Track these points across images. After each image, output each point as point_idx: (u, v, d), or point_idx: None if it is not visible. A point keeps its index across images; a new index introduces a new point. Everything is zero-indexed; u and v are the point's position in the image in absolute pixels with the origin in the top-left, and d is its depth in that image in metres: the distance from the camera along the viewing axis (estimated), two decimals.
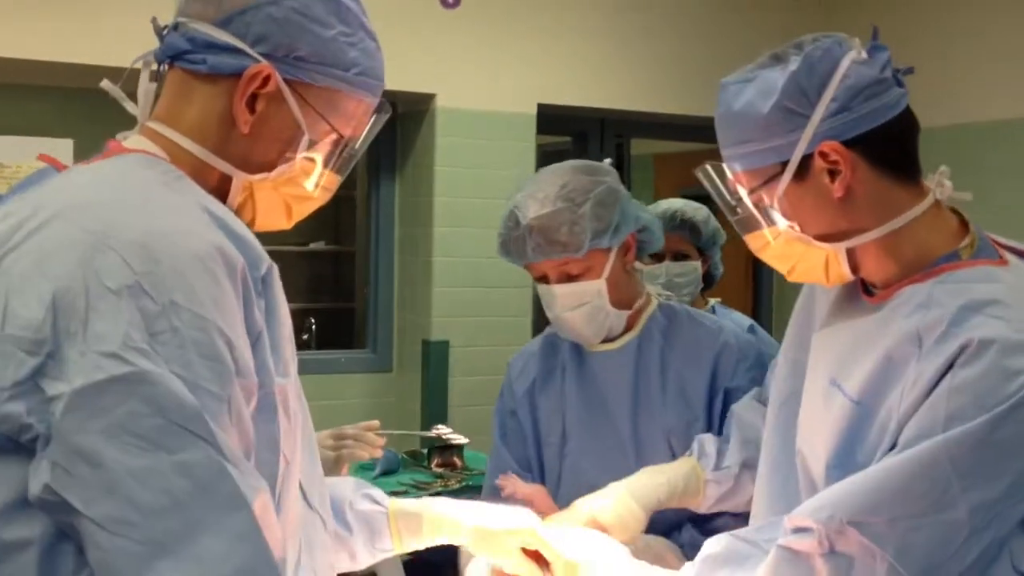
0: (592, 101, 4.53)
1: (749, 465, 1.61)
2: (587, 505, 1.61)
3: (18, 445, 0.86)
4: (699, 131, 5.09)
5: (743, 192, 1.26)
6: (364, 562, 1.49)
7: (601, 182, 1.79)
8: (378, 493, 1.51)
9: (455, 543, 1.53)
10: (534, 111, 4.37)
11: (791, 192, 1.21)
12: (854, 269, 1.25)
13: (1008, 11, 4.16)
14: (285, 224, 1.19)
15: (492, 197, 4.28)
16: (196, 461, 0.85)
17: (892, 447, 1.13)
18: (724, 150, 1.28)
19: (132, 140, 1.12)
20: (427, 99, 4.25)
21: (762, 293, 5.18)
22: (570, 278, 1.77)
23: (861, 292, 1.30)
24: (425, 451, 2.84)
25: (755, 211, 1.26)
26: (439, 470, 2.64)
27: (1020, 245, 1.25)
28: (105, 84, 1.17)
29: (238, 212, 1.12)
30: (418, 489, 2.42)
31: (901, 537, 1.08)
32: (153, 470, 0.83)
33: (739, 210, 1.30)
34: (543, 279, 1.80)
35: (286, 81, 1.10)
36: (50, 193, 0.99)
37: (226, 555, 0.84)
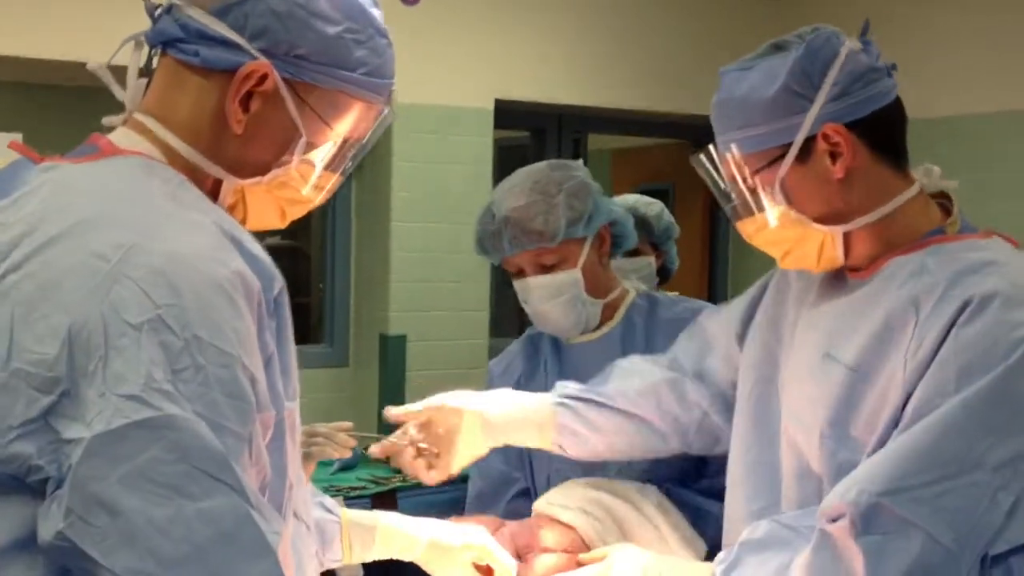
0: (550, 96, 4.54)
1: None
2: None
3: (22, 484, 0.82)
4: (656, 126, 5.13)
5: (741, 176, 1.28)
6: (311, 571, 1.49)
7: (573, 176, 1.83)
8: (331, 502, 1.50)
9: (405, 558, 1.52)
10: (492, 106, 4.37)
11: (792, 174, 1.25)
12: (845, 253, 1.28)
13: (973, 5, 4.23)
14: (279, 225, 1.13)
15: (450, 192, 4.28)
16: (220, 508, 0.81)
17: (901, 412, 1.14)
18: (723, 135, 1.30)
19: (123, 137, 1.03)
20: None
21: (717, 286, 5.22)
22: (546, 269, 1.79)
23: (845, 272, 1.32)
24: None
25: (752, 196, 1.28)
26: (397, 466, 2.63)
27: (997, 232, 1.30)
28: (92, 66, 1.09)
29: (230, 212, 1.06)
30: (377, 484, 2.42)
31: (933, 503, 1.08)
32: (175, 519, 0.79)
33: (733, 196, 1.32)
34: (520, 274, 1.82)
35: (284, 80, 1.02)
36: (48, 204, 0.91)
37: None
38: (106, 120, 1.07)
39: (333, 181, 1.12)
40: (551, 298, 1.79)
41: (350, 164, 1.13)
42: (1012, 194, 3.86)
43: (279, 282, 0.97)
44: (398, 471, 2.46)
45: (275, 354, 0.95)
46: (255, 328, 0.90)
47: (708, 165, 1.34)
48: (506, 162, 4.40)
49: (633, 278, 2.58)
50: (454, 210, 4.20)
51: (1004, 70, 4.11)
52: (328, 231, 4.54)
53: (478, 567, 1.49)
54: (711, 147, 1.33)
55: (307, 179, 1.09)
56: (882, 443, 1.17)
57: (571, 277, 1.79)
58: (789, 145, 1.24)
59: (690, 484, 1.75)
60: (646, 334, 1.86)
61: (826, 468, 1.24)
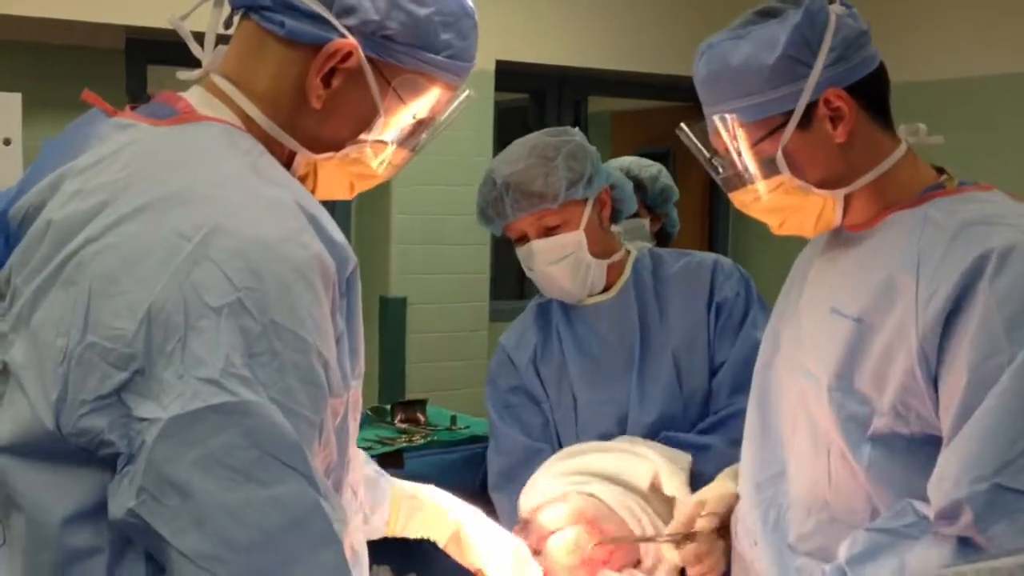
0: (551, 58, 4.51)
1: None
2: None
3: (93, 457, 0.83)
4: (658, 89, 5.11)
5: (743, 147, 1.27)
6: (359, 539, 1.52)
7: (570, 140, 1.85)
8: (380, 469, 1.52)
9: (435, 538, 1.54)
10: (492, 67, 4.35)
11: (794, 141, 1.24)
12: (844, 214, 1.29)
13: None
14: (347, 197, 1.12)
15: (450, 154, 4.26)
16: (291, 496, 0.81)
17: (925, 369, 1.14)
18: (716, 106, 1.28)
19: (201, 100, 1.01)
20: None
21: (717, 249, 5.22)
22: (549, 232, 1.81)
23: (844, 229, 1.33)
24: (388, 407, 2.85)
25: (751, 166, 1.27)
26: (403, 426, 2.66)
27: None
28: (172, 21, 1.05)
29: (300, 182, 1.04)
30: (383, 444, 2.44)
31: None
32: (246, 505, 0.79)
33: (723, 168, 1.31)
34: (522, 240, 1.83)
35: (368, 59, 1.00)
36: (131, 172, 0.90)
37: None
38: (182, 75, 1.06)
39: (405, 158, 1.11)
40: (555, 260, 1.81)
41: (423, 142, 1.12)
42: (997, 157, 3.85)
43: (352, 262, 0.96)
44: (403, 431, 2.48)
45: (344, 334, 0.95)
46: (330, 310, 0.89)
47: (697, 137, 1.34)
48: (506, 125, 4.39)
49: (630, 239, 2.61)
50: (455, 172, 4.19)
51: (989, 34, 4.09)
52: None
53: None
54: (711, 118, 1.30)
55: (379, 156, 1.08)
56: (904, 402, 1.16)
57: (574, 238, 1.80)
58: (790, 113, 1.23)
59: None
60: (655, 290, 1.89)
61: (834, 422, 1.24)
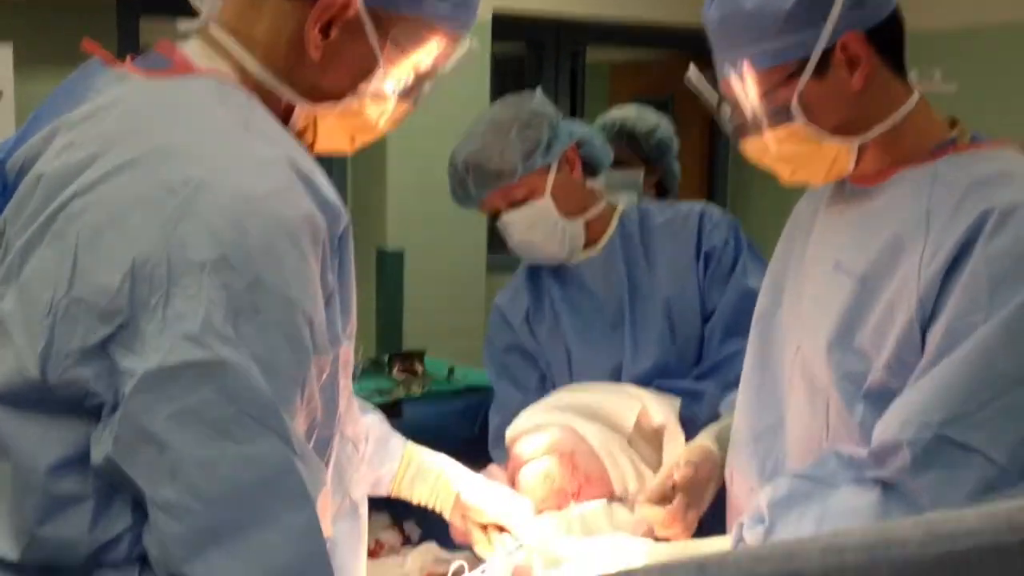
0: (548, 8, 4.47)
1: None
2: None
3: (79, 407, 0.84)
4: (657, 38, 5.06)
5: (756, 94, 1.23)
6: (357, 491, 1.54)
7: (524, 108, 1.84)
8: (396, 432, 1.55)
9: (439, 503, 1.56)
10: (489, 17, 4.30)
11: (809, 88, 1.21)
12: (855, 164, 1.26)
13: None
14: (347, 150, 1.12)
15: (447, 105, 4.22)
16: (264, 454, 0.82)
17: (917, 326, 1.13)
18: (729, 52, 1.25)
19: (198, 51, 1.00)
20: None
21: (716, 199, 5.21)
22: (518, 203, 1.82)
23: (850, 180, 1.31)
24: (386, 358, 2.86)
25: (763, 114, 1.24)
26: (400, 377, 2.67)
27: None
28: None
29: (299, 136, 1.04)
30: (380, 395, 2.45)
31: (988, 425, 1.07)
32: (219, 460, 0.80)
33: (733, 117, 1.28)
34: (496, 215, 1.86)
35: (367, 9, 0.99)
36: (121, 125, 0.90)
37: (280, 551, 0.81)
38: (182, 25, 1.04)
39: (405, 111, 1.11)
40: (528, 229, 1.83)
41: (422, 94, 1.11)
42: (1006, 108, 3.83)
43: (344, 220, 0.96)
44: (401, 381, 2.49)
45: (335, 292, 0.95)
46: (318, 269, 0.89)
47: (706, 83, 1.30)
48: (503, 76, 4.35)
49: (622, 191, 2.60)
50: (451, 124, 4.15)
51: None
52: None
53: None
54: (723, 64, 1.27)
55: (380, 108, 1.07)
56: (899, 358, 1.15)
57: (542, 203, 1.82)
58: (806, 59, 1.20)
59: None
60: (643, 241, 1.89)
61: (831, 380, 1.23)
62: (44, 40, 3.36)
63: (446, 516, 1.58)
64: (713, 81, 1.30)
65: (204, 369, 0.80)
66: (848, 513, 1.13)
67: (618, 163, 2.69)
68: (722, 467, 1.53)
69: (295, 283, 0.85)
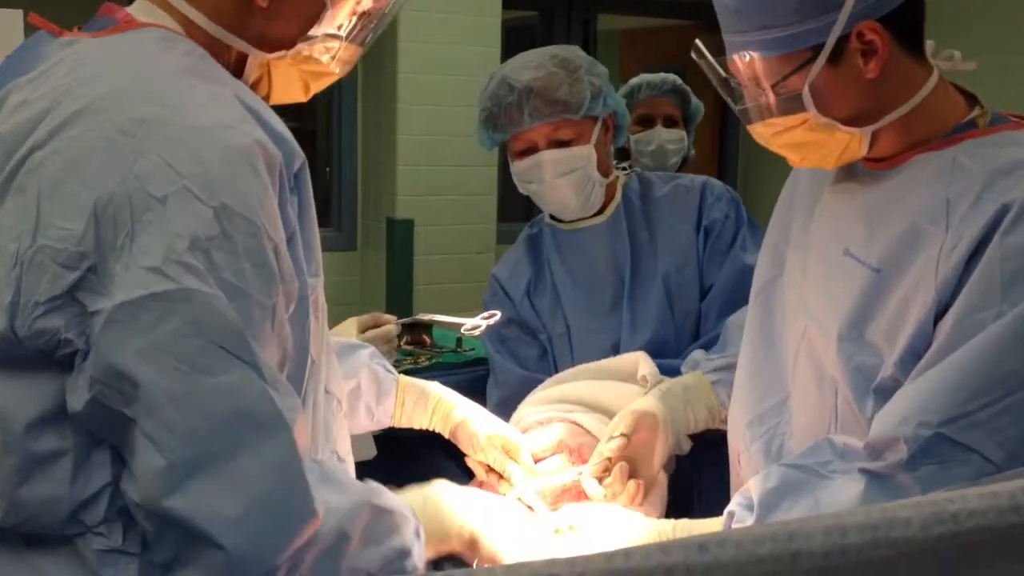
0: None
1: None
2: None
3: (51, 360, 0.83)
4: (669, 6, 5.02)
5: (766, 81, 1.20)
6: (361, 427, 1.53)
7: (586, 56, 1.82)
8: (388, 365, 1.56)
9: (439, 429, 1.56)
10: None
11: (822, 76, 1.17)
12: (868, 148, 1.23)
13: None
14: (302, 98, 1.13)
15: (457, 74, 4.21)
16: (236, 384, 0.81)
17: (932, 319, 1.10)
18: (740, 36, 1.21)
19: (141, 10, 1.02)
20: None
21: (727, 171, 5.19)
22: (560, 144, 1.78)
23: (862, 162, 1.27)
24: None
25: (773, 100, 1.20)
26: (408, 347, 2.67)
27: None
28: None
29: (253, 88, 1.05)
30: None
31: (988, 425, 1.05)
32: (192, 394, 0.80)
33: (741, 99, 1.25)
34: (529, 151, 1.80)
35: None
36: (71, 78, 0.91)
37: (261, 478, 0.81)
38: None
39: (356, 53, 1.13)
40: (564, 173, 1.79)
41: (372, 36, 1.13)
42: (1013, 77, 3.79)
43: (300, 157, 0.96)
44: (410, 352, 2.49)
45: (297, 230, 0.95)
46: (277, 200, 0.90)
47: (712, 63, 1.26)
48: (513, 43, 4.32)
49: (648, 154, 2.58)
50: (461, 92, 4.15)
51: None
52: (334, 115, 4.50)
53: (491, 470, 1.53)
54: (733, 49, 1.23)
55: (332, 52, 1.09)
56: (913, 353, 1.13)
57: (586, 152, 1.78)
58: (819, 47, 1.16)
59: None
60: (644, 213, 1.88)
61: (842, 371, 1.21)
62: (54, 5, 3.35)
63: (446, 436, 1.58)
64: (722, 54, 1.27)
65: (169, 300, 0.80)
66: (838, 505, 1.11)
67: (670, 121, 2.67)
68: (666, 425, 1.50)
69: (257, 207, 0.86)
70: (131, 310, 0.80)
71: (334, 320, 1.74)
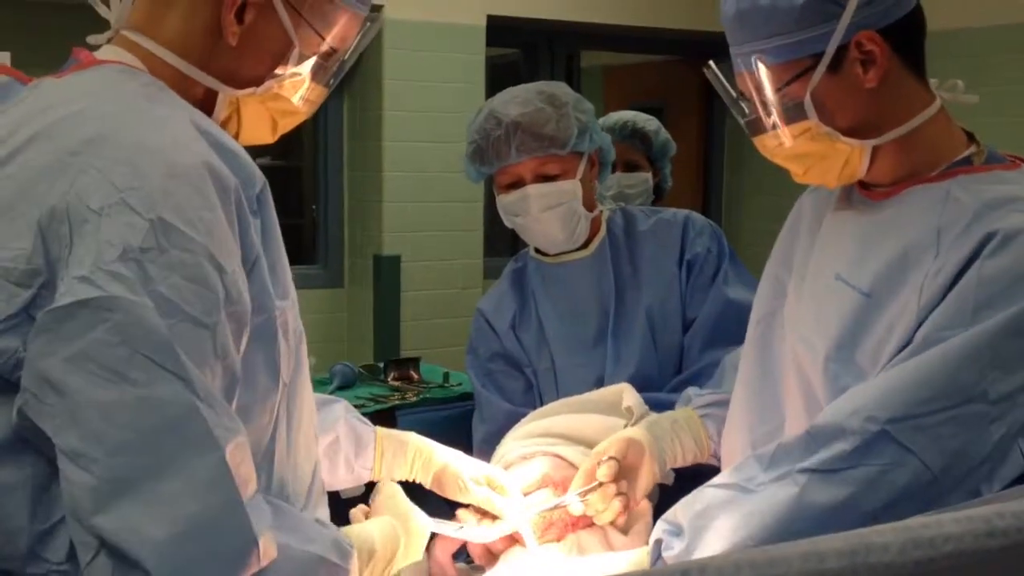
0: (542, 12, 4.48)
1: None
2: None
3: (8, 384, 0.83)
4: (650, 43, 5.08)
5: (769, 89, 1.23)
6: (342, 482, 1.51)
7: (573, 93, 1.85)
8: (363, 418, 1.55)
9: (420, 479, 1.56)
10: (484, 22, 4.32)
11: (822, 85, 1.20)
12: (868, 169, 1.26)
13: None
14: (270, 138, 1.14)
15: (442, 111, 4.24)
16: (164, 397, 0.80)
17: (908, 342, 1.13)
18: (744, 46, 1.25)
19: (106, 51, 1.04)
20: (374, 10, 4.17)
21: (711, 205, 5.22)
22: (546, 179, 1.80)
23: (859, 191, 1.30)
24: (381, 365, 2.86)
25: (777, 110, 1.24)
26: (396, 383, 2.67)
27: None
28: None
29: (223, 127, 1.06)
30: (376, 403, 2.45)
31: (932, 432, 1.07)
32: (118, 404, 0.78)
33: (748, 112, 1.28)
34: (515, 185, 1.82)
35: None
36: (28, 109, 0.94)
37: (190, 499, 0.79)
38: (91, 38, 1.08)
39: (322, 95, 1.15)
40: (551, 207, 1.80)
41: (335, 78, 1.15)
42: (998, 110, 3.84)
43: (260, 180, 0.97)
44: (396, 388, 2.49)
45: (261, 254, 0.95)
46: (234, 224, 0.90)
47: (722, 80, 1.30)
48: (497, 80, 4.36)
49: (609, 197, 2.60)
50: (446, 129, 4.18)
51: None
52: (320, 152, 4.52)
53: (480, 512, 1.53)
54: (737, 58, 1.26)
55: (298, 89, 1.11)
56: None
57: (571, 187, 1.81)
58: (819, 55, 1.19)
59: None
60: (628, 247, 1.90)
61: (828, 393, 1.23)
62: (42, 46, 3.37)
63: (426, 485, 1.57)
64: (731, 74, 1.30)
65: (95, 308, 0.79)
66: (768, 511, 1.13)
67: (630, 166, 2.71)
68: (652, 453, 1.51)
69: (199, 226, 0.85)
70: (59, 317, 0.80)
71: (317, 353, 1.74)
